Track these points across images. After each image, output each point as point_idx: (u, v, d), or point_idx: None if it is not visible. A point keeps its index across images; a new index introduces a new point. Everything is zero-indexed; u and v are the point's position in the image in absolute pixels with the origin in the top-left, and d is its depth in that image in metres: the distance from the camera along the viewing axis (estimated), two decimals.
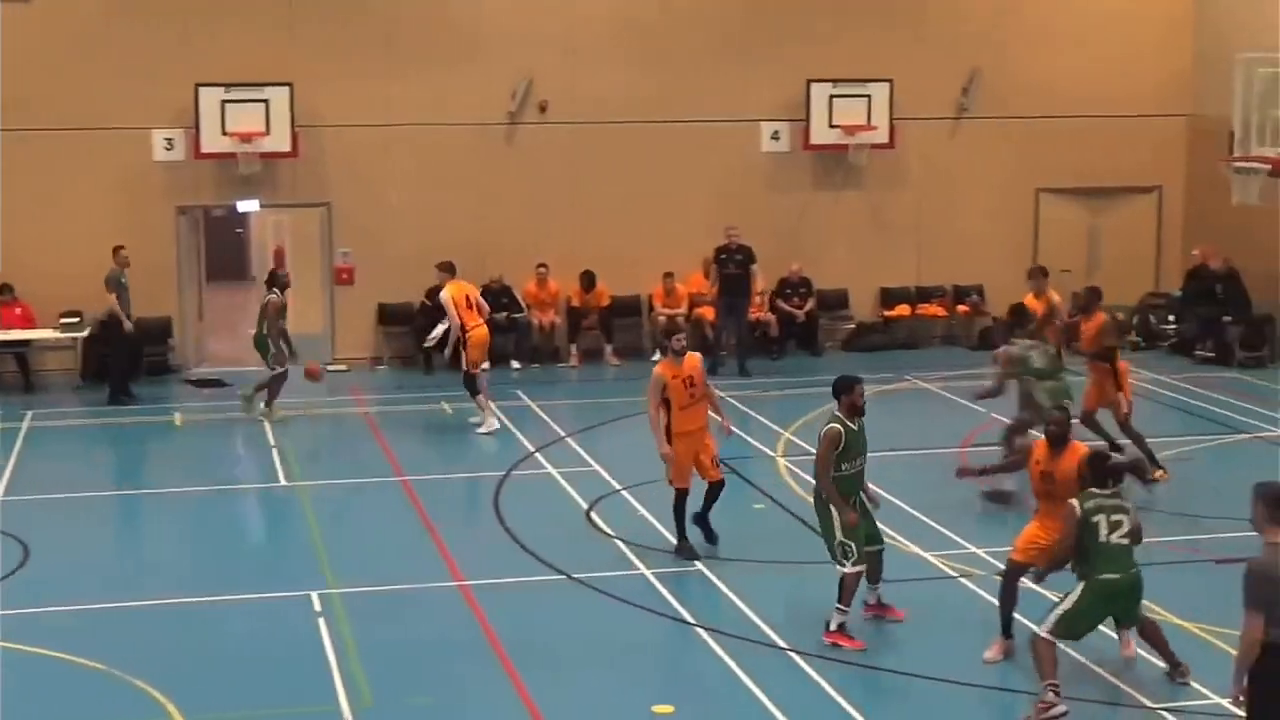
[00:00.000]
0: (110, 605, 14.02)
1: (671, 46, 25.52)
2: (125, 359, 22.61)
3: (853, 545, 12.92)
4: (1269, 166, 19.73)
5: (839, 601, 12.95)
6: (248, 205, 25.31)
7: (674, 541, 15.47)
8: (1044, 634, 11.50)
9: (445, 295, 20.37)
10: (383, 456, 19.01)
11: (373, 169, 24.83)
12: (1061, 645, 11.64)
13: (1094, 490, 11.71)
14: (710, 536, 15.41)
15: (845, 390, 13.08)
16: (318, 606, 13.84)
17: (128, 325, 22.26)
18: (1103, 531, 11.50)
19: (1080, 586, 11.58)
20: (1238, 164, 20.29)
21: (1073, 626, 11.61)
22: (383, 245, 24.95)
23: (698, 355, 15.55)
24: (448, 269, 20.78)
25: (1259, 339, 24.84)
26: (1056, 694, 11.32)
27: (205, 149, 23.94)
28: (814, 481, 13.21)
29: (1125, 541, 11.58)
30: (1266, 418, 21.03)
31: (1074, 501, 11.64)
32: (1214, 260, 25.27)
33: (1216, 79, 23.44)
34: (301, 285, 23.75)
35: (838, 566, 12.99)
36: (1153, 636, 12.15)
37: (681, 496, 15.18)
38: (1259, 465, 18.94)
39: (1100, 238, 27.25)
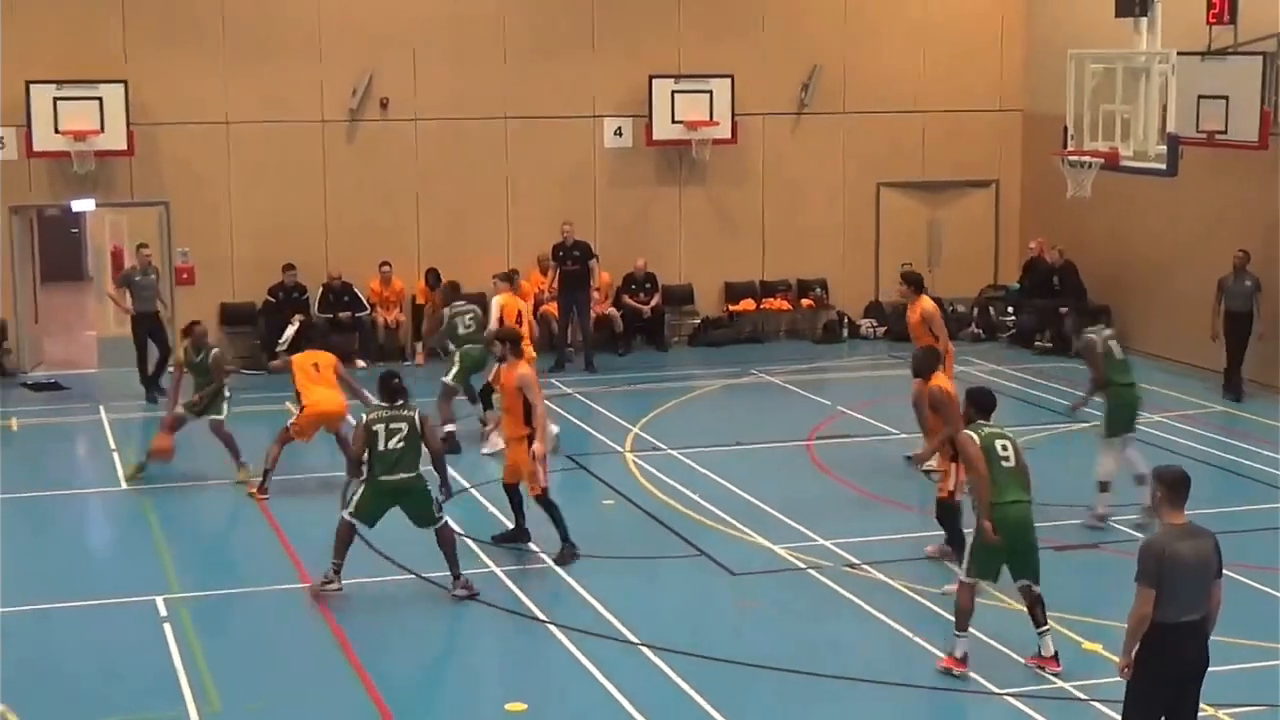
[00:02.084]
0: None
1: (513, 42, 25.45)
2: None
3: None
4: (1101, 160, 20.09)
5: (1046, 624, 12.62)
6: (83, 205, 24.81)
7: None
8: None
9: (497, 303, 19.46)
10: (226, 458, 18.73)
11: (211, 167, 24.47)
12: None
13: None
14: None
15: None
16: (163, 611, 13.61)
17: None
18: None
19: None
20: (1071, 158, 20.63)
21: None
22: (223, 244, 24.62)
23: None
24: (507, 279, 20.19)
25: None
26: None
27: (38, 147, 23.43)
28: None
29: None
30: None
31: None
32: (1050, 253, 25.75)
33: (1049, 75, 23.85)
34: None
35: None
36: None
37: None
38: (1096, 454, 19.33)
39: (940, 231, 27.64)
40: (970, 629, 12.29)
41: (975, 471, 12.22)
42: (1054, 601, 13.69)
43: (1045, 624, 12.36)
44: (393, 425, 13.86)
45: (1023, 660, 12.47)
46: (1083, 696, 11.87)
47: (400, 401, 14.10)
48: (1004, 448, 12.26)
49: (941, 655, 12.46)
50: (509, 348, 15.29)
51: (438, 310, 20.98)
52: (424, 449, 13.99)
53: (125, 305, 22.49)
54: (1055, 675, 12.10)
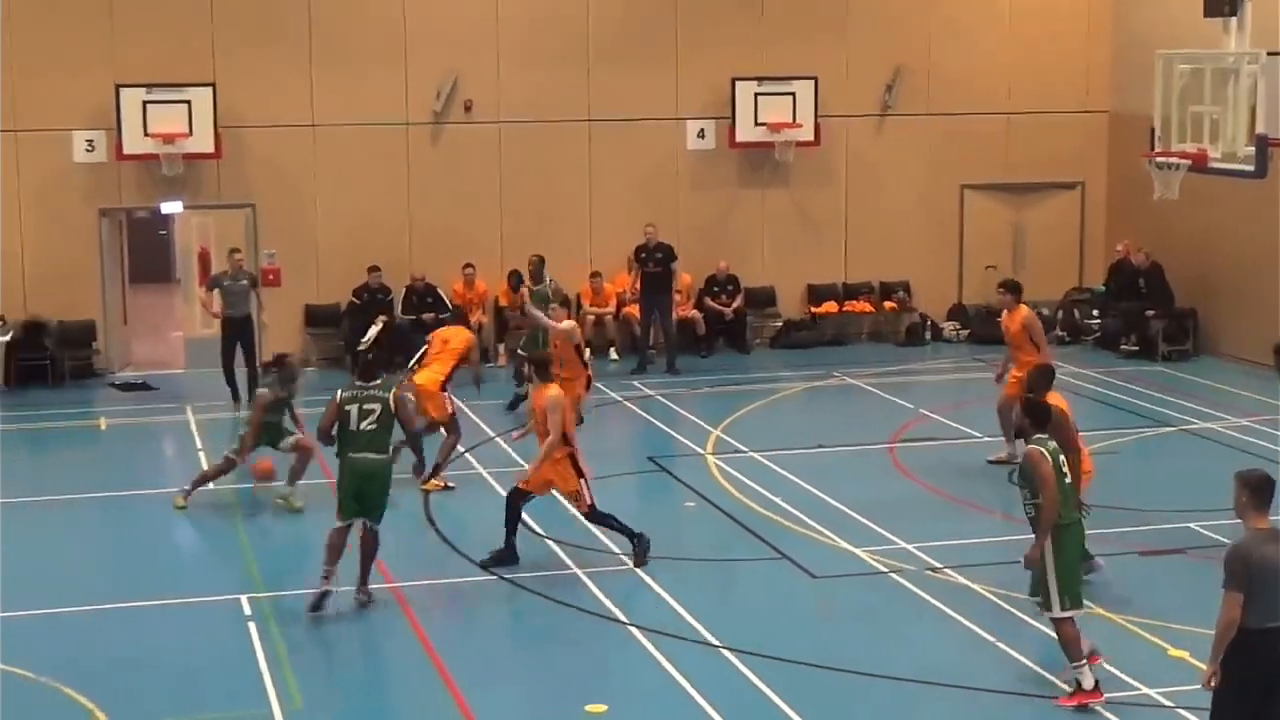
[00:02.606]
0: (38, 612, 13.87)
1: (596, 44, 25.50)
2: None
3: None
4: (1189, 162, 19.88)
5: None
6: (171, 207, 25.07)
7: (605, 542, 15.48)
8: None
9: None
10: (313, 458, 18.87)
11: (297, 169, 24.68)
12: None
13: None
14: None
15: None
16: (248, 610, 13.74)
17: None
18: None
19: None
20: (1159, 160, 20.42)
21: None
22: (308, 246, 24.81)
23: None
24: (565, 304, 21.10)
25: (1182, 333, 25.09)
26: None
27: (127, 150, 23.71)
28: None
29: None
30: (1190, 410, 21.23)
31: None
32: (1137, 255, 25.50)
33: (1137, 75, 23.63)
34: None
35: None
36: None
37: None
38: (1183, 458, 19.18)
39: (1025, 234, 27.44)
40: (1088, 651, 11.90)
41: (1048, 491, 11.62)
42: (1140, 607, 13.64)
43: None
44: (365, 405, 13.61)
45: (1110, 667, 12.36)
46: (1169, 704, 11.76)
47: (377, 381, 13.84)
48: (1064, 464, 11.89)
49: (1026, 662, 12.39)
50: (536, 370, 15.34)
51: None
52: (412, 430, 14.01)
53: (214, 309, 22.63)
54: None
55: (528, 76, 25.24)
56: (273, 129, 24.43)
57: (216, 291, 22.49)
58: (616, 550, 15.41)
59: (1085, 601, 13.06)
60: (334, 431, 13.76)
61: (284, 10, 24.48)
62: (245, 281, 22.52)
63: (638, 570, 14.80)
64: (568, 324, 19.48)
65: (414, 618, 13.67)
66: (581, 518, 15.13)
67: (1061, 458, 11.86)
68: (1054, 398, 14.19)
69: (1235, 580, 9.29)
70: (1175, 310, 25.29)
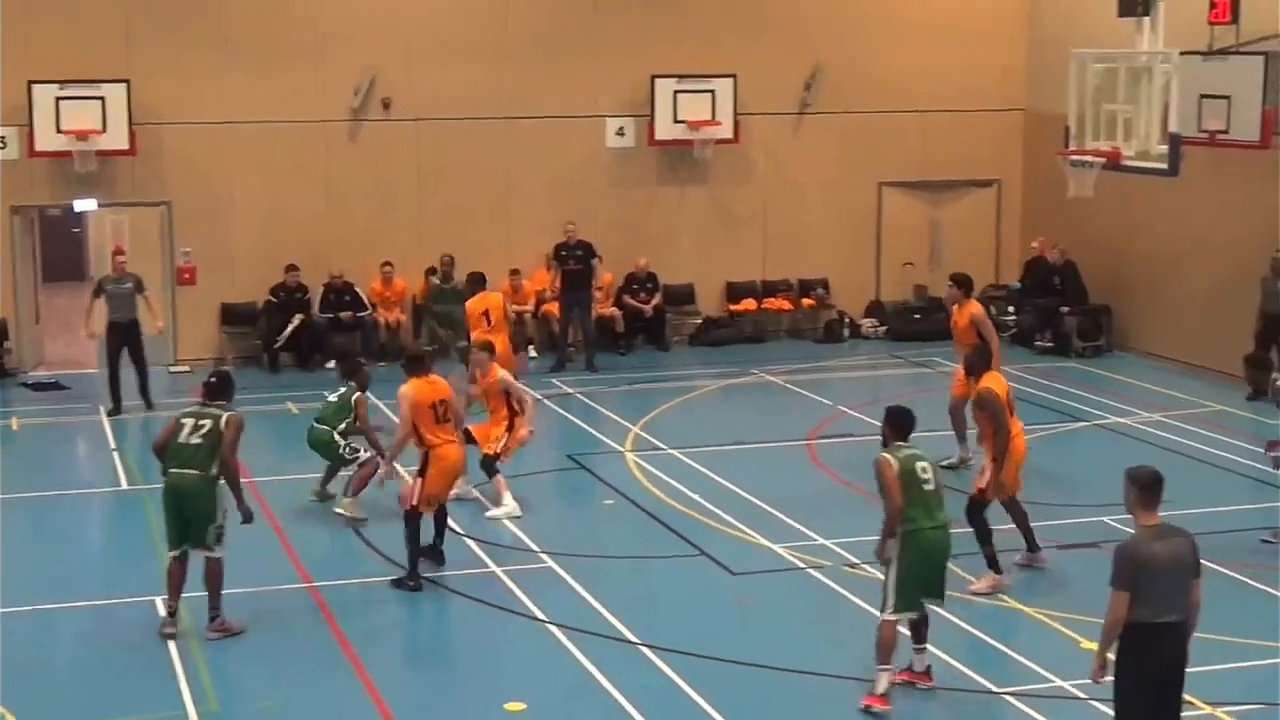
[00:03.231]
0: None
1: (515, 43, 25.44)
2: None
3: None
4: (1103, 160, 20.07)
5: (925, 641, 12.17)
6: (84, 204, 24.82)
7: (525, 540, 15.47)
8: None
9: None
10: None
11: (213, 167, 24.48)
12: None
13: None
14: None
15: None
16: (161, 611, 13.59)
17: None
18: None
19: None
20: (1073, 158, 20.61)
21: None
22: (225, 244, 24.62)
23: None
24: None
25: (1096, 329, 25.34)
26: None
27: (39, 147, 23.44)
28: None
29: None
30: (1104, 405, 21.45)
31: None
32: (1052, 252, 25.74)
33: (1051, 74, 23.83)
34: None
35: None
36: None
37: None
38: (1097, 452, 19.36)
39: (941, 231, 27.63)
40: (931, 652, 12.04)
41: (890, 499, 11.57)
42: (1054, 600, 13.76)
43: (924, 642, 11.95)
44: (200, 420, 13.15)
45: (1024, 660, 12.47)
46: (1082, 695, 11.86)
47: (221, 401, 13.39)
48: (924, 470, 11.67)
49: (944, 656, 12.46)
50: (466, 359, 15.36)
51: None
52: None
53: (90, 329, 21.84)
54: (928, 688, 11.85)
55: (446, 74, 25.16)
56: (188, 126, 24.22)
57: (102, 298, 21.45)
58: (535, 548, 15.40)
59: (1002, 595, 13.20)
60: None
61: (200, 6, 24.27)
62: (130, 285, 21.54)
63: (556, 568, 14.78)
64: (498, 376, 16.81)
65: (331, 617, 13.60)
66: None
67: (923, 465, 11.65)
68: (993, 379, 14.35)
69: (1121, 578, 9.41)
70: (1090, 307, 25.55)
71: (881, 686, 11.62)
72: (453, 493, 15.39)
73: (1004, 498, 14.28)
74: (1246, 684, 12.03)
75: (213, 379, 13.64)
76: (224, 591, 13.23)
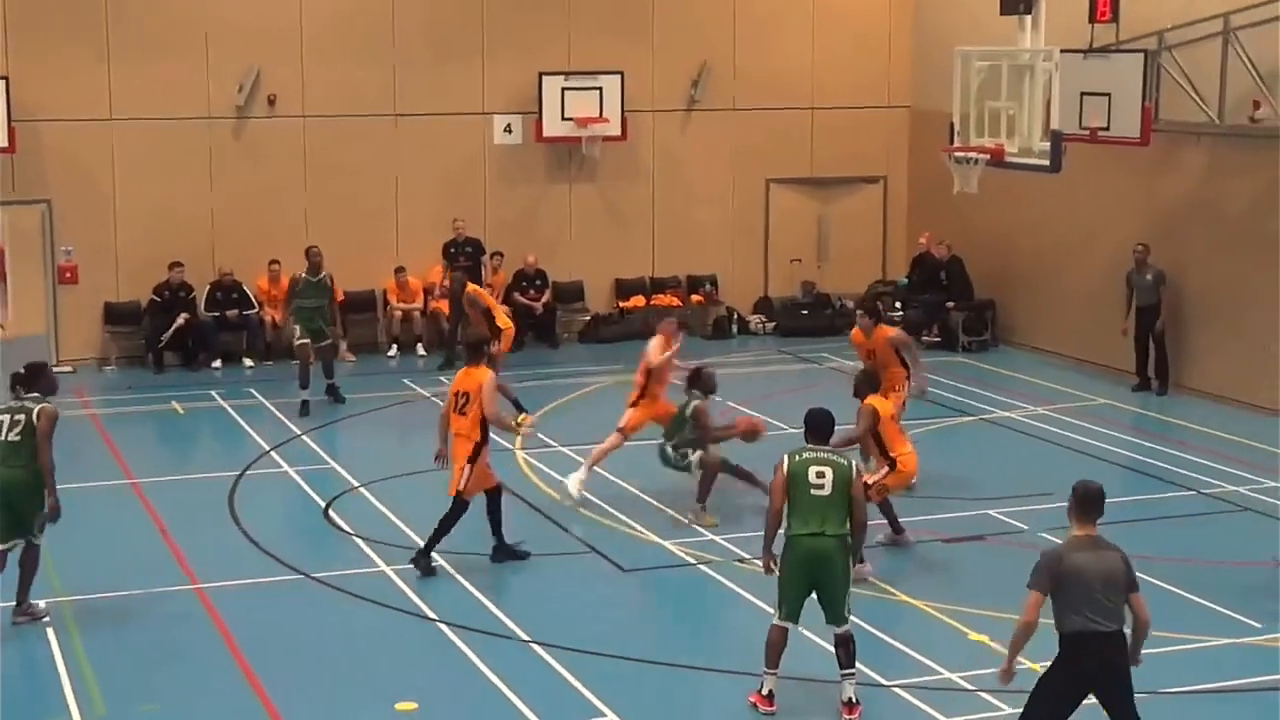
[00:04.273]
0: None
1: (402, 39, 25.31)
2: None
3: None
4: (987, 157, 20.30)
5: (852, 667, 11.65)
6: None
7: (414, 538, 15.41)
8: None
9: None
10: (111, 459, 18.50)
11: (95, 164, 24.14)
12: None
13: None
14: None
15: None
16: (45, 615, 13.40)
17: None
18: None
19: None
20: (958, 154, 20.83)
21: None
22: (107, 242, 24.29)
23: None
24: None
25: (981, 324, 25.62)
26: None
27: None
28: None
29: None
30: (989, 400, 21.70)
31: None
32: (938, 248, 26.00)
33: (936, 71, 24.08)
34: (22, 285, 23.05)
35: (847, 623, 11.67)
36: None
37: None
38: (982, 446, 19.58)
39: (829, 227, 27.81)
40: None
41: (770, 502, 11.60)
42: (941, 592, 13.90)
43: (849, 667, 11.56)
44: (16, 416, 13.03)
45: (913, 652, 12.57)
46: (969, 687, 11.99)
47: (34, 393, 13.24)
48: (819, 476, 11.39)
49: (830, 647, 12.55)
50: (468, 352, 15.08)
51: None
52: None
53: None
54: None
55: (332, 70, 24.97)
56: (69, 123, 23.86)
57: None
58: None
59: (890, 588, 13.30)
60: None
61: (81, 2, 23.91)
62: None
63: (447, 566, 14.73)
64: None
65: (219, 619, 13.46)
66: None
67: (819, 470, 11.41)
68: (878, 399, 14.60)
69: (1036, 580, 9.53)
70: (975, 302, 25.83)
71: (764, 687, 11.66)
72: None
73: (879, 500, 14.46)
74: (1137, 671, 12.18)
75: (22, 370, 13.51)
76: (110, 594, 13.12)
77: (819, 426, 11.80)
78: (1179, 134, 21.69)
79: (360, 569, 14.74)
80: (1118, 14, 21.73)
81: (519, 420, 18.19)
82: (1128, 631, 9.53)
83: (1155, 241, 22.06)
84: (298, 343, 21.26)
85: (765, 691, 11.63)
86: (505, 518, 14.98)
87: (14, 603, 13.27)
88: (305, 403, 20.77)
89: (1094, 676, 9.52)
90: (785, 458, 11.58)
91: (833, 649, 11.62)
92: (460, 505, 14.59)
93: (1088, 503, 9.68)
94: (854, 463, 11.67)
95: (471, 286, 21.57)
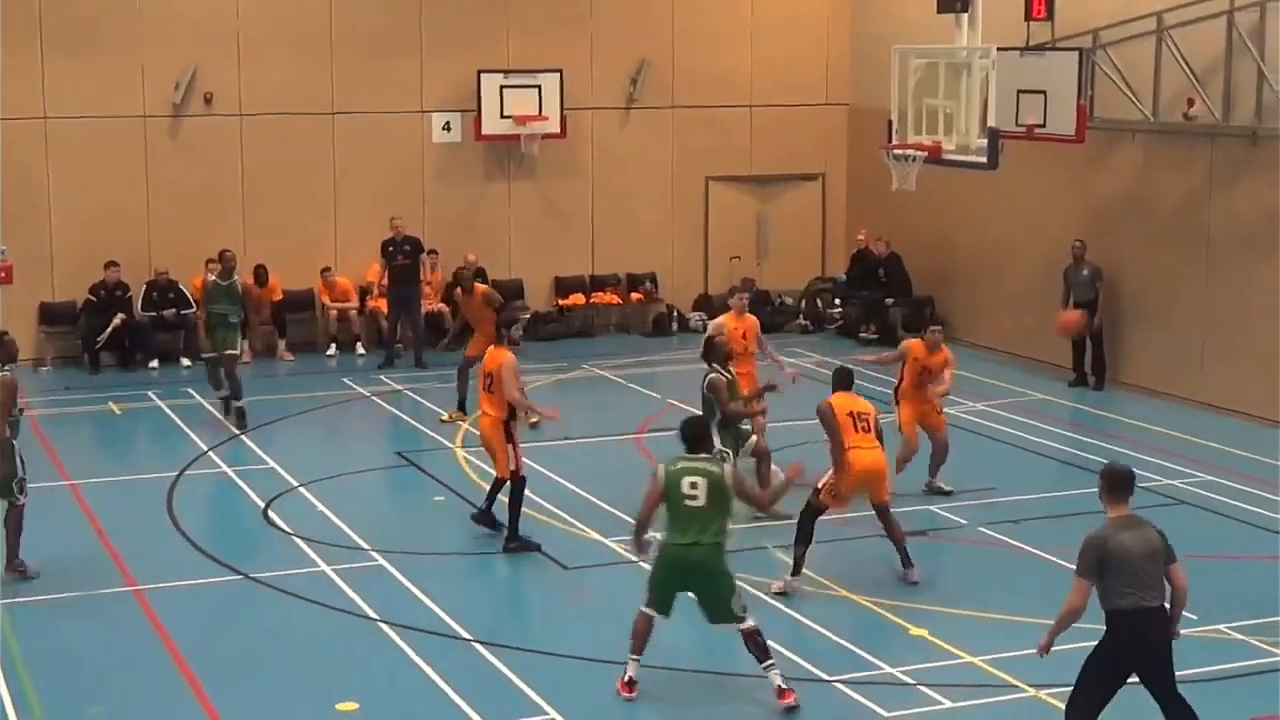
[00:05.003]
0: None
1: (340, 37, 25.20)
2: None
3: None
4: (925, 154, 20.39)
5: (769, 657, 11.67)
6: None
7: (354, 538, 15.37)
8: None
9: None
10: (48, 460, 18.34)
11: (29, 163, 23.91)
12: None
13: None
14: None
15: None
16: None
17: None
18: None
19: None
20: (896, 152, 20.92)
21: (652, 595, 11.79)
22: (42, 242, 24.06)
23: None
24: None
25: (920, 320, 25.73)
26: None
27: None
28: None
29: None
30: None
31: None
32: (877, 245, 26.11)
33: (874, 69, 24.18)
34: None
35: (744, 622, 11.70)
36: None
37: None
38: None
39: (768, 225, 27.88)
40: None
41: (641, 507, 11.72)
42: (883, 588, 13.95)
43: (766, 658, 11.60)
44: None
45: (854, 648, 12.61)
46: (910, 681, 12.05)
47: None
48: (693, 486, 11.40)
49: (774, 646, 12.58)
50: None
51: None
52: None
53: None
54: (789, 707, 11.50)
55: (270, 68, 24.84)
56: (2, 121, 23.63)
57: None
58: (366, 546, 15.28)
59: (828, 583, 13.34)
60: None
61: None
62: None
63: (388, 565, 14.70)
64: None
65: (157, 621, 13.37)
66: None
67: (693, 480, 11.40)
68: (838, 396, 14.36)
69: (1083, 567, 9.76)
70: (914, 298, 25.96)
71: (626, 673, 11.76)
72: None
73: (839, 507, 14.33)
74: (1067, 666, 12.27)
75: None
76: (47, 597, 13.08)
77: (692, 436, 11.87)
78: (1114, 131, 21.87)
79: (300, 569, 14.67)
80: (1053, 12, 21.91)
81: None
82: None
83: (1091, 238, 22.24)
84: (204, 355, 20.88)
85: (627, 678, 11.75)
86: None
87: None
88: (227, 401, 20.39)
89: (1142, 652, 9.78)
90: (660, 467, 11.65)
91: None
92: (519, 482, 15.11)
93: (1118, 483, 9.92)
94: (727, 469, 11.73)
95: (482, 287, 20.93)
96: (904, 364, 16.86)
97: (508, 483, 15.16)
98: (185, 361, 23.84)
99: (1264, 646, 12.61)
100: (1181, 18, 20.59)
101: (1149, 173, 21.93)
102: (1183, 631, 10.20)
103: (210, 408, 20.88)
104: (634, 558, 11.97)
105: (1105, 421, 20.58)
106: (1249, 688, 11.88)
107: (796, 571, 13.95)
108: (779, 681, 11.58)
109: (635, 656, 11.80)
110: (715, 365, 15.94)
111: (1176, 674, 9.94)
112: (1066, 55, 21.35)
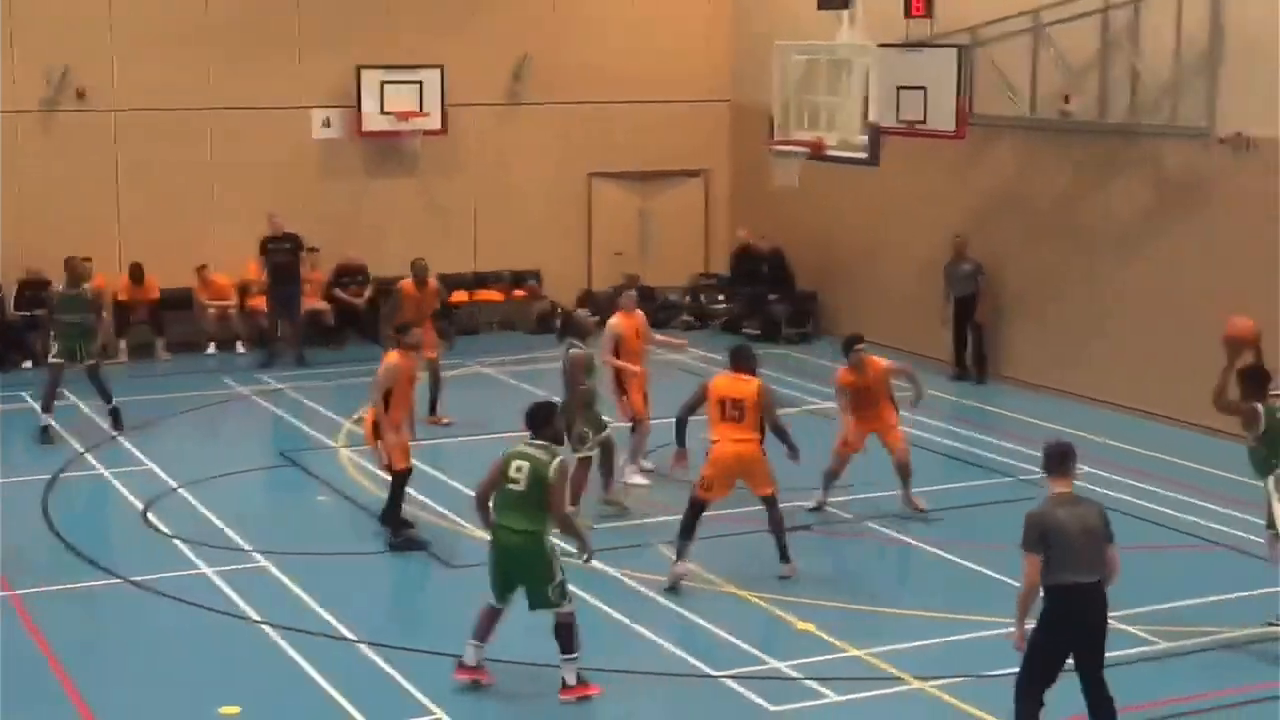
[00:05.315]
0: None
1: (217, 32, 24.89)
2: None
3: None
4: (807, 150, 20.47)
5: (573, 652, 11.76)
6: None
7: (236, 539, 15.18)
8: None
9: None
10: None
11: None
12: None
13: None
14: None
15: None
16: None
17: None
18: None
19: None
20: (778, 148, 20.99)
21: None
22: None
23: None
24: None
25: (803, 315, 25.89)
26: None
27: None
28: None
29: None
30: (812, 390, 21.88)
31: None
32: (760, 241, 26.21)
33: (756, 66, 24.25)
34: None
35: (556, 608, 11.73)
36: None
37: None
38: (808, 437, 19.70)
39: (651, 221, 27.91)
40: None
41: (482, 481, 11.79)
42: (769, 584, 13.98)
43: (569, 652, 11.70)
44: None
45: (741, 643, 12.64)
46: (796, 675, 12.09)
47: None
48: (517, 470, 11.48)
49: (662, 643, 12.59)
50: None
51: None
52: None
53: None
54: (566, 702, 11.60)
55: (145, 64, 24.49)
56: None
57: None
58: (247, 548, 15.11)
59: (717, 580, 13.35)
60: None
61: None
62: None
63: (270, 567, 14.53)
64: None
65: (33, 626, 13.12)
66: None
67: (518, 465, 11.47)
68: (728, 380, 14.18)
69: (1027, 542, 9.89)
70: (797, 294, 26.08)
71: (469, 657, 11.81)
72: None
73: (711, 498, 14.16)
74: (950, 657, 12.38)
75: None
76: None
77: (533, 419, 11.82)
78: (993, 127, 22.10)
79: (181, 571, 14.47)
80: (932, 9, 22.11)
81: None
82: None
83: (971, 233, 22.47)
84: (51, 360, 19.45)
85: (467, 660, 11.79)
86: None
87: None
88: (45, 429, 19.18)
89: (1080, 630, 9.92)
90: (506, 451, 11.72)
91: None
92: (395, 478, 15.28)
93: (1056, 459, 10.08)
94: (557, 461, 11.55)
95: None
96: (845, 396, 16.17)
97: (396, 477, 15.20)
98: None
99: (1142, 635, 12.77)
100: (1058, 14, 20.83)
101: (1027, 169, 22.18)
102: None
103: (87, 410, 20.53)
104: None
105: (986, 415, 20.80)
106: (1131, 677, 12.01)
107: (680, 558, 13.90)
108: (570, 679, 11.61)
109: (473, 640, 11.81)
110: (575, 341, 16.04)
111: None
112: (945, 52, 21.53)
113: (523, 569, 11.66)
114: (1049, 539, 9.79)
